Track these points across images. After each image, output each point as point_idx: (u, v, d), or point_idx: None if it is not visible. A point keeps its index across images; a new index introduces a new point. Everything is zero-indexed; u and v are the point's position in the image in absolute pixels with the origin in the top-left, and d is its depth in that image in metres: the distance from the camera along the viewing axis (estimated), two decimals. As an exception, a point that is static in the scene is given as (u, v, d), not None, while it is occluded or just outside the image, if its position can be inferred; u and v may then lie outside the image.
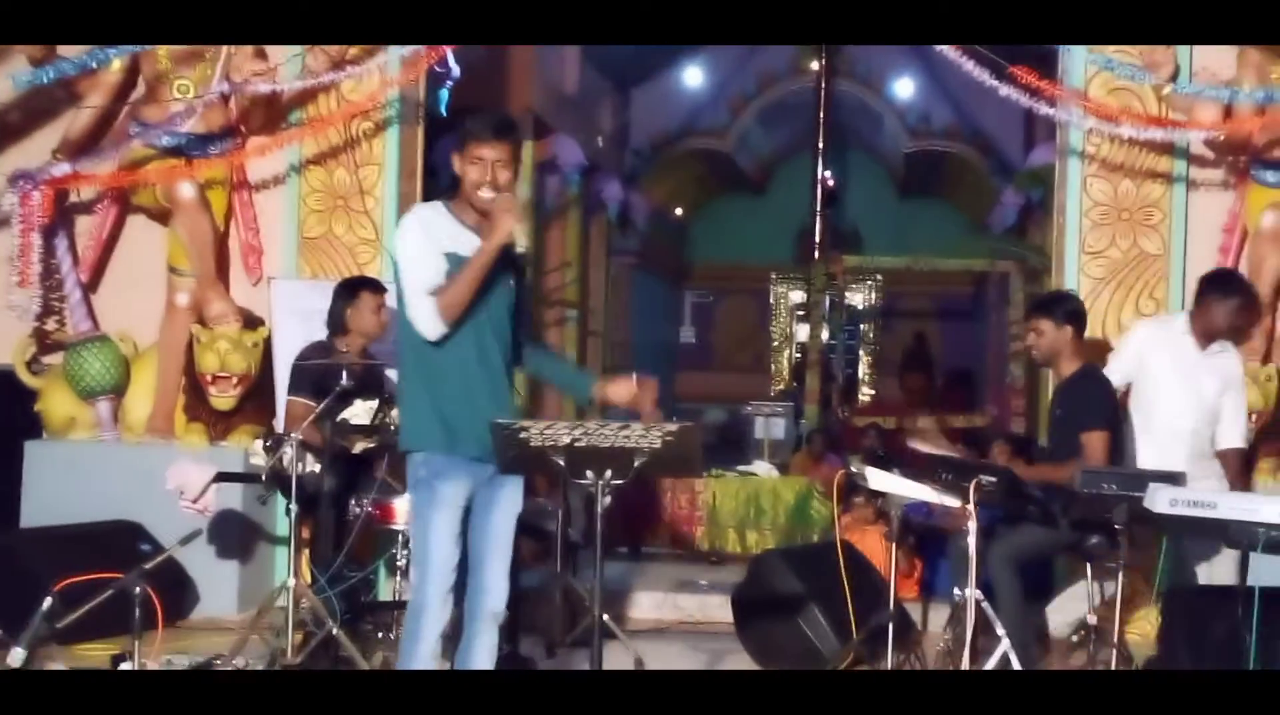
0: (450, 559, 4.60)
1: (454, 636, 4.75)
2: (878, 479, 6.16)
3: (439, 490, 4.59)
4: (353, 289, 6.80)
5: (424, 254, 4.56)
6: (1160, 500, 4.72)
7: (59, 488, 7.60)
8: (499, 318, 4.66)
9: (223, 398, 7.65)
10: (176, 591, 7.20)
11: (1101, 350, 7.37)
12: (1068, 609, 6.96)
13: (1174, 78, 7.23)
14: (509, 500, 4.71)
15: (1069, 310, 6.50)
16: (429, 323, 4.52)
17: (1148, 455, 6.48)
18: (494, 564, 4.70)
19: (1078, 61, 7.44)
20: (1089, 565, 6.45)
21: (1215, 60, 7.33)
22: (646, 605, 8.11)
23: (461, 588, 4.72)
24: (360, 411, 6.35)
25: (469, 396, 4.58)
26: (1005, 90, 6.97)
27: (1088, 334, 7.32)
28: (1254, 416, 7.12)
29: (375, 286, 6.74)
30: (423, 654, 4.55)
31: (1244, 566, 4.62)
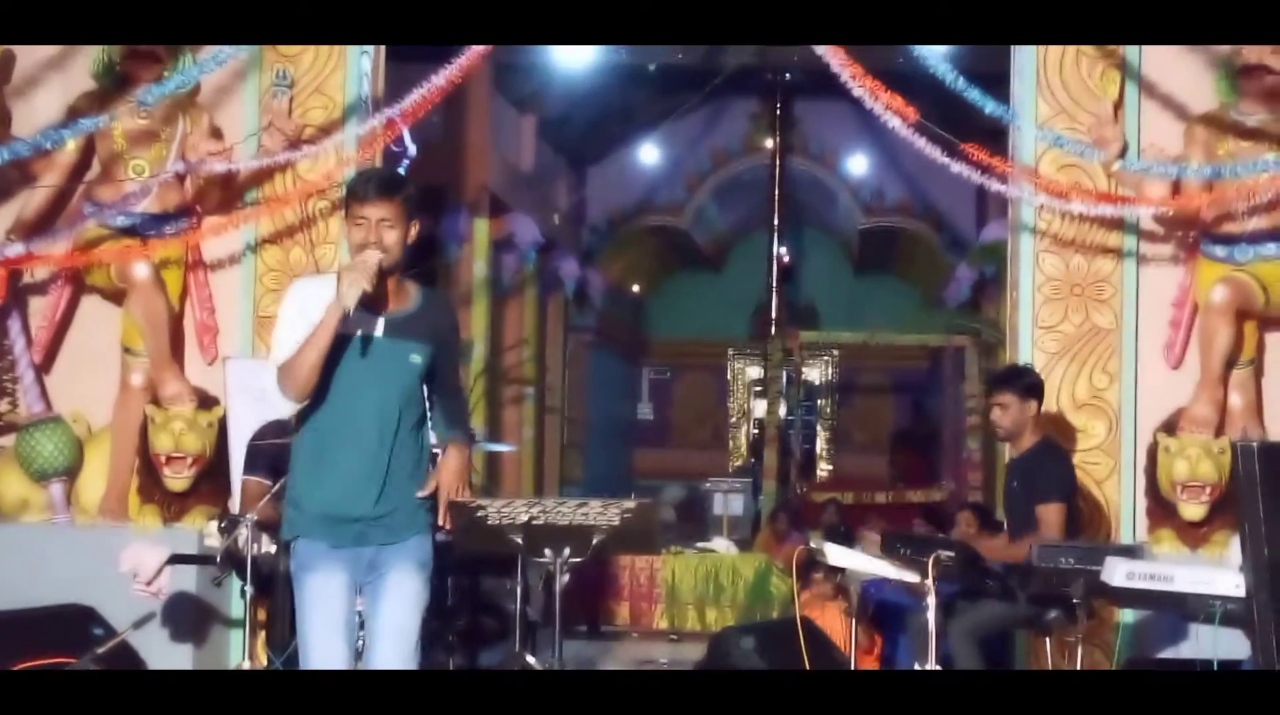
0: (327, 654, 4.34)
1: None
2: (837, 555, 6.16)
3: (306, 584, 4.43)
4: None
5: (288, 328, 4.41)
6: (1117, 573, 4.74)
7: (10, 571, 7.48)
8: (387, 404, 4.40)
9: (177, 479, 7.58)
10: (129, 676, 7.10)
11: (1058, 424, 7.41)
12: None
13: (1122, 154, 7.32)
14: (398, 582, 4.41)
15: (1029, 384, 6.57)
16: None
17: None
18: (383, 656, 4.38)
19: (1028, 139, 7.53)
20: (1047, 639, 6.46)
21: (1163, 137, 7.43)
22: (606, 684, 8.04)
23: None
24: (316, 491, 6.31)
25: (324, 483, 4.40)
26: (957, 167, 7.03)
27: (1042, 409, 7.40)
28: (1208, 489, 7.15)
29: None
30: None
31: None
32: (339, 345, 4.32)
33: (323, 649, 4.35)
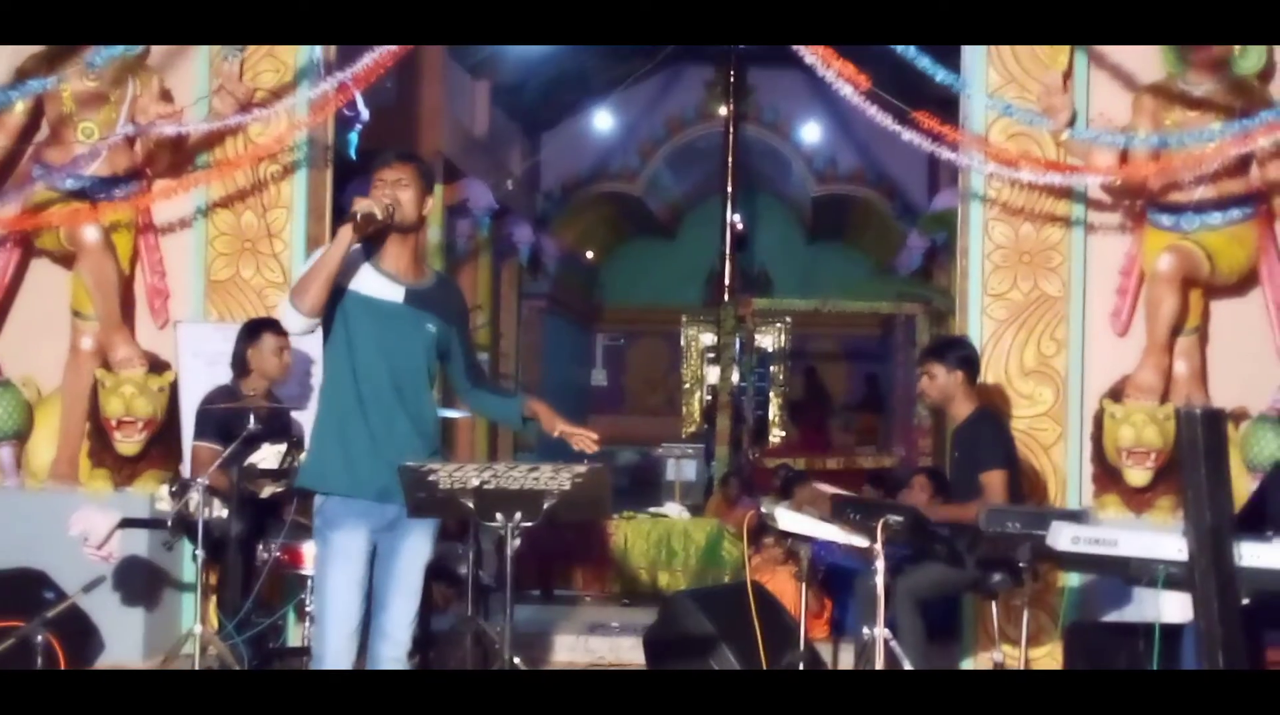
0: (348, 608, 4.64)
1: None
2: (787, 519, 6.21)
3: (332, 540, 4.66)
4: (255, 330, 6.78)
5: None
6: (1063, 538, 4.79)
7: (-41, 536, 7.47)
8: (406, 366, 4.70)
9: (128, 443, 7.56)
10: (80, 639, 7.08)
11: (998, 394, 7.48)
12: None
13: (1071, 123, 7.38)
14: (414, 546, 4.72)
15: (961, 356, 6.64)
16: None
17: None
18: (396, 610, 4.70)
19: (978, 107, 7.57)
20: (994, 603, 6.55)
21: (1111, 106, 7.49)
22: (558, 648, 8.11)
23: (367, 633, 4.74)
24: (268, 456, 6.31)
25: (350, 443, 4.65)
26: (908, 135, 7.06)
27: (991, 375, 7.46)
28: (1152, 455, 7.25)
29: (277, 327, 6.68)
30: None
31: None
32: (362, 310, 4.63)
33: (342, 602, 4.62)
